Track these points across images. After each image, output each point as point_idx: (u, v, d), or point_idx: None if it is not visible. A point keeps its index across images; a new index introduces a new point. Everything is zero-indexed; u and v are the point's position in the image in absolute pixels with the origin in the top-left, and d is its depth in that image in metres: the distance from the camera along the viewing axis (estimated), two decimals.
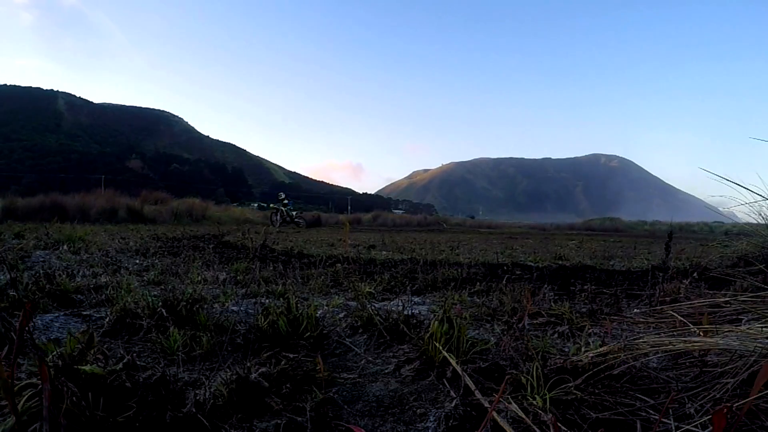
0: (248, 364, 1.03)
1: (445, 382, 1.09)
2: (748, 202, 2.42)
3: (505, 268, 3.52)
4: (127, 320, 1.49)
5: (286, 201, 18.58)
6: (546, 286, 2.42)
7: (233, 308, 1.85)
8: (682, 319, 1.43)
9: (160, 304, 1.56)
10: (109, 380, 0.85)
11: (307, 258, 3.95)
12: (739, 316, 1.49)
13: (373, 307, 1.61)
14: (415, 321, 1.50)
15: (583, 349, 1.19)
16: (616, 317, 1.77)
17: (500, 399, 0.93)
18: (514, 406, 0.91)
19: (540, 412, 0.90)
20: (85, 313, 1.71)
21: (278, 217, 17.57)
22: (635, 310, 1.95)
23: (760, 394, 0.92)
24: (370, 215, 26.59)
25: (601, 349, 1.15)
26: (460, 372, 1.07)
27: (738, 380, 0.97)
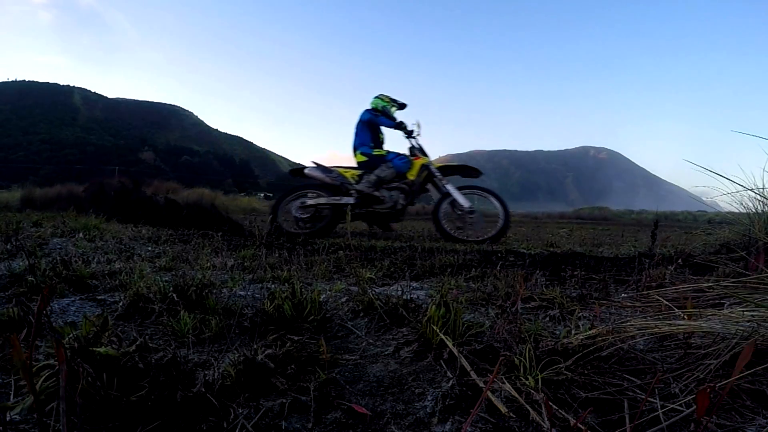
0: (255, 346, 1.03)
1: (442, 363, 1.08)
2: (730, 192, 2.40)
3: (499, 254, 3.52)
4: (140, 304, 1.49)
5: None
6: (538, 272, 2.42)
7: (240, 293, 1.85)
8: (667, 303, 1.43)
9: (171, 289, 1.56)
10: (123, 361, 0.85)
11: (310, 245, 3.94)
12: (722, 301, 1.49)
13: (373, 292, 1.61)
14: (413, 305, 1.50)
15: (573, 332, 1.18)
16: (604, 301, 1.77)
17: (494, 379, 0.93)
18: (507, 386, 0.91)
19: (532, 391, 0.90)
20: (99, 297, 1.71)
21: None
22: (623, 295, 1.95)
23: (742, 374, 0.92)
24: None
25: (590, 332, 1.15)
26: (456, 354, 1.06)
27: (720, 361, 0.97)
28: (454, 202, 5.40)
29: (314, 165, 5.93)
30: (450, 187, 5.41)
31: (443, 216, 5.42)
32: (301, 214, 5.65)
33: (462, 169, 5.67)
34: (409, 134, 5.71)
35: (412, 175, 5.57)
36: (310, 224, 5.66)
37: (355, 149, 5.92)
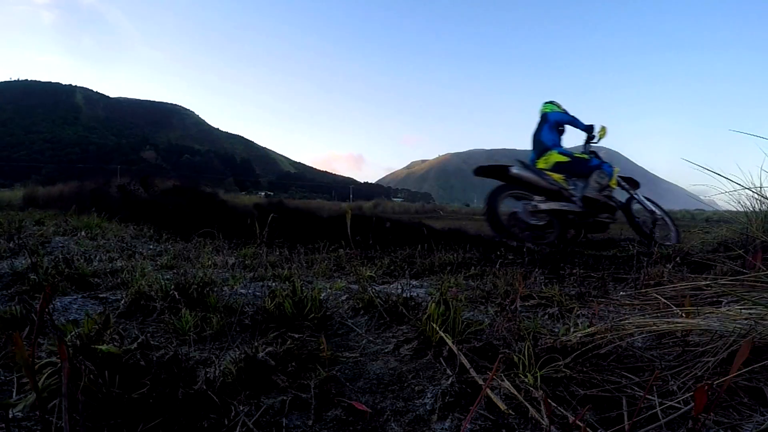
0: (256, 344, 1.03)
1: (442, 360, 1.09)
2: (728, 190, 2.40)
3: (498, 253, 3.52)
4: (142, 302, 1.49)
5: None
6: (537, 270, 2.42)
7: (241, 291, 1.85)
8: (665, 301, 1.43)
9: (173, 287, 1.55)
10: (125, 359, 0.85)
11: (311, 243, 3.94)
12: (720, 299, 1.49)
13: (373, 290, 1.61)
14: (413, 303, 1.50)
15: (572, 330, 1.18)
16: (603, 299, 1.77)
17: (494, 377, 0.93)
18: (506, 384, 0.91)
19: (531, 389, 0.90)
20: (101, 295, 1.71)
21: None
22: (621, 293, 1.95)
23: (739, 372, 0.92)
24: (371, 203, 26.45)
25: (589, 330, 1.15)
26: (455, 351, 1.06)
27: (718, 359, 0.97)
28: (640, 208, 5.30)
29: (522, 164, 5.07)
30: (639, 195, 5.32)
31: (639, 219, 5.25)
32: (536, 221, 4.89)
33: (626, 180, 5.47)
34: (591, 140, 5.30)
35: (613, 184, 5.22)
36: (542, 232, 4.95)
37: (546, 149, 5.22)
